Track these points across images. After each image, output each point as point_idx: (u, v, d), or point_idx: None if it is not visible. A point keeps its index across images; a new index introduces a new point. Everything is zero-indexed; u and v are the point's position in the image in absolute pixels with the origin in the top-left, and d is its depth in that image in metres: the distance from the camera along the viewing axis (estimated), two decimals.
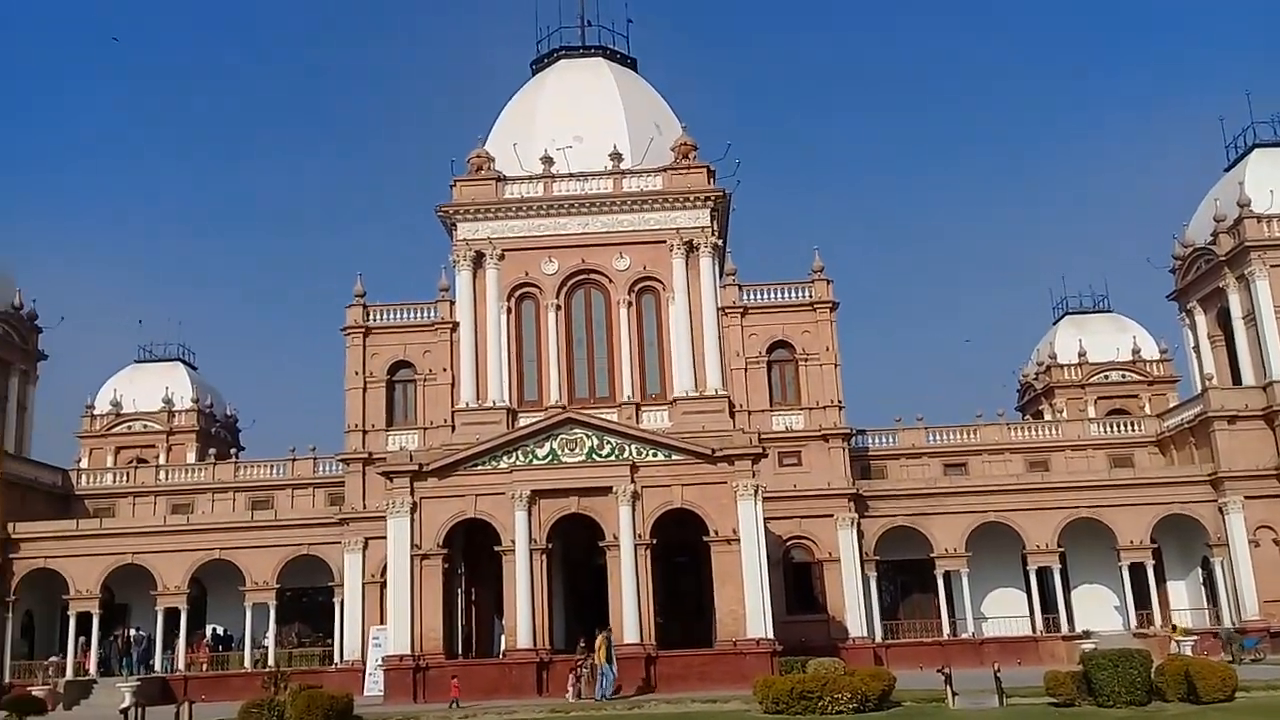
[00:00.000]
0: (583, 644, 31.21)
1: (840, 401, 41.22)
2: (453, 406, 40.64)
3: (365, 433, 41.30)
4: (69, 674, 39.48)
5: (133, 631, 41.40)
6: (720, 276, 42.35)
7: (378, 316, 42.61)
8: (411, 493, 33.23)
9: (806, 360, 41.65)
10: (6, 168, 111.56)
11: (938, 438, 45.58)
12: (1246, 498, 40.64)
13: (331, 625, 41.34)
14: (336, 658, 40.17)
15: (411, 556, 32.78)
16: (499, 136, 44.10)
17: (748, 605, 31.64)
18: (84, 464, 52.97)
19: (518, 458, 33.61)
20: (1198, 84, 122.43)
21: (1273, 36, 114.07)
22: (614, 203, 41.46)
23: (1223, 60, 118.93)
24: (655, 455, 33.44)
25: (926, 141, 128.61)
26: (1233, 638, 36.73)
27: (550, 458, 33.56)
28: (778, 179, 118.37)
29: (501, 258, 41.38)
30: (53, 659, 40.81)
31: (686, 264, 41.22)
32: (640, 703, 28.02)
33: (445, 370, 41.39)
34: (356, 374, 41.70)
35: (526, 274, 41.46)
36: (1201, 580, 42.84)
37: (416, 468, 33.37)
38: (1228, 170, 47.44)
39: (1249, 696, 22.42)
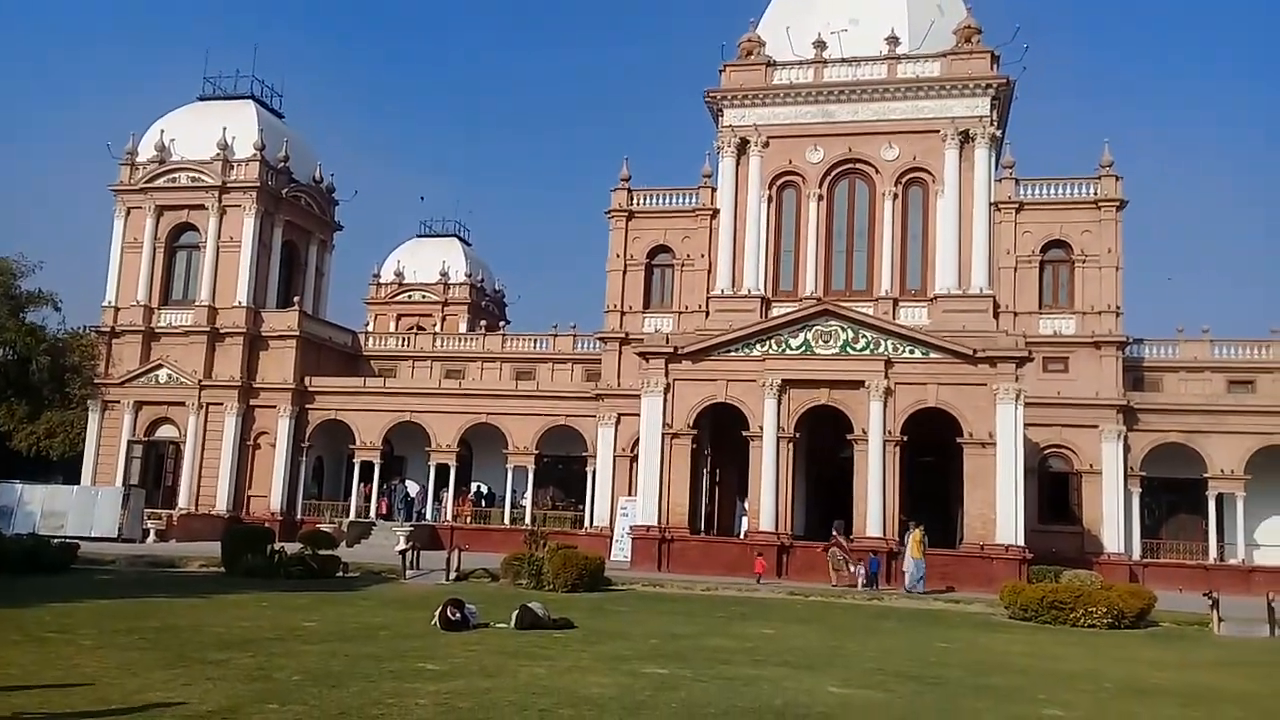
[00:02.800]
0: (835, 532, 31.62)
1: (1118, 307, 38.72)
2: (708, 292, 41.15)
3: (623, 313, 42.65)
4: (352, 515, 43.85)
5: (408, 483, 45.34)
6: (996, 169, 40.25)
7: (641, 201, 43.44)
8: (666, 374, 34.31)
9: (1084, 261, 39.23)
10: (329, 59, 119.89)
11: (1223, 351, 42.05)
12: None
13: (583, 492, 43.68)
14: (586, 522, 42.49)
15: (662, 434, 34.05)
16: (771, 20, 43.12)
17: (999, 510, 30.99)
18: (370, 327, 57.71)
19: (770, 346, 33.91)
20: None
21: None
22: (887, 89, 39.87)
23: None
24: (911, 352, 32.86)
25: (1226, 27, 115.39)
26: None
27: (803, 348, 33.65)
28: (1068, 65, 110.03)
29: (766, 145, 40.95)
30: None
31: (960, 155, 39.34)
32: (880, 595, 28.26)
33: (703, 256, 41.86)
34: (618, 256, 42.91)
35: (790, 162, 40.87)
36: None
37: (672, 350, 34.32)
38: None
39: None
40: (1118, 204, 39.20)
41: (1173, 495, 40.14)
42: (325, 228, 51.35)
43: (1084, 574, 25.89)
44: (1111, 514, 37.75)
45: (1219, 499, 38.63)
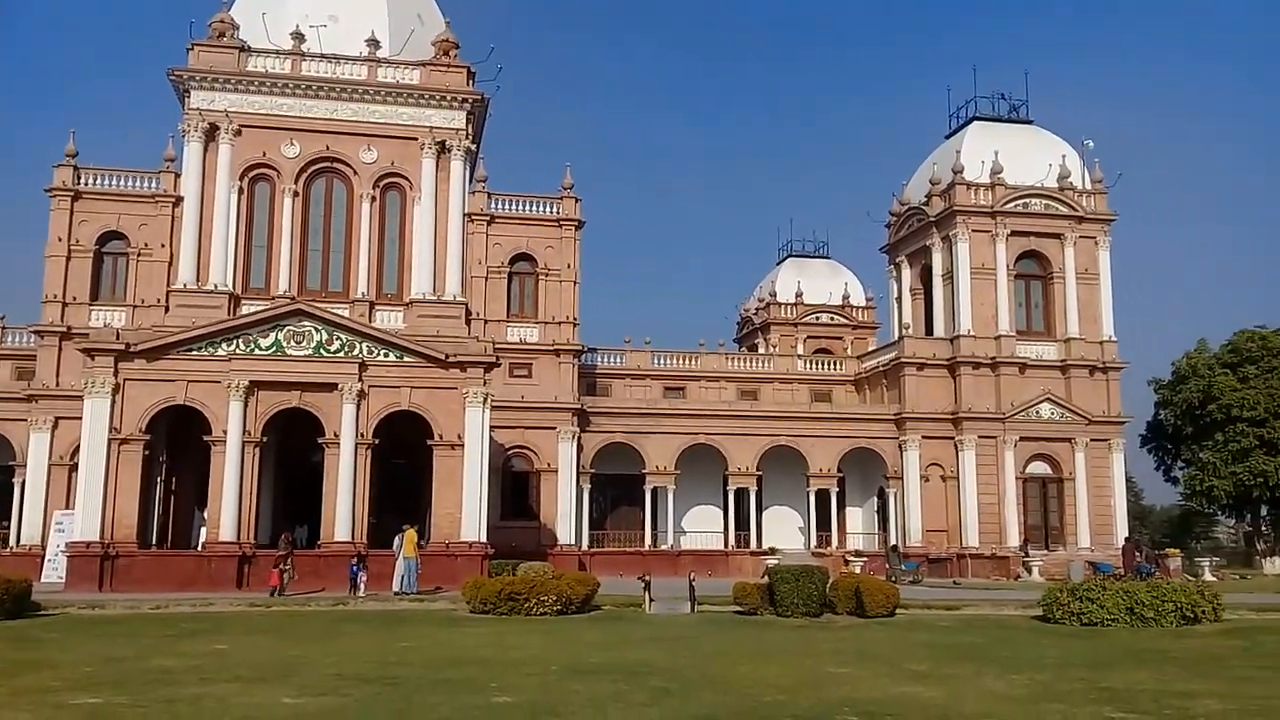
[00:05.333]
0: (285, 538, 30.67)
1: (575, 318, 42.14)
2: (169, 286, 38.19)
3: (65, 305, 38.17)
4: None
5: None
6: (470, 182, 41.85)
7: (91, 181, 39.16)
8: (115, 373, 31.15)
9: (547, 275, 42.19)
10: None
11: (661, 361, 47.56)
12: (924, 437, 45.24)
13: (9, 507, 38.34)
14: (12, 541, 37.39)
15: (109, 440, 30.88)
16: (247, 4, 41.01)
17: (465, 509, 32.14)
18: None
19: (239, 346, 32.21)
20: (930, 54, 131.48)
21: (1004, 13, 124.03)
22: (367, 91, 39.77)
23: (955, 32, 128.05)
24: (386, 355, 33.02)
25: (686, 82, 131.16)
26: (895, 561, 40.91)
27: (274, 349, 32.38)
28: (537, 93, 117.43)
29: (238, 134, 38.87)
30: None
31: (437, 164, 40.34)
32: (347, 599, 28.04)
33: (164, 246, 38.75)
34: (60, 240, 38.31)
35: (264, 154, 39.19)
36: (876, 509, 47.52)
37: (123, 347, 31.27)
38: (948, 138, 51.54)
39: (907, 613, 25.27)
40: (577, 223, 42.68)
41: (617, 489, 44.57)
42: None
43: (538, 565, 27.69)
44: (565, 509, 40.97)
45: (654, 492, 43.56)
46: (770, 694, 12.78)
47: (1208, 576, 40.74)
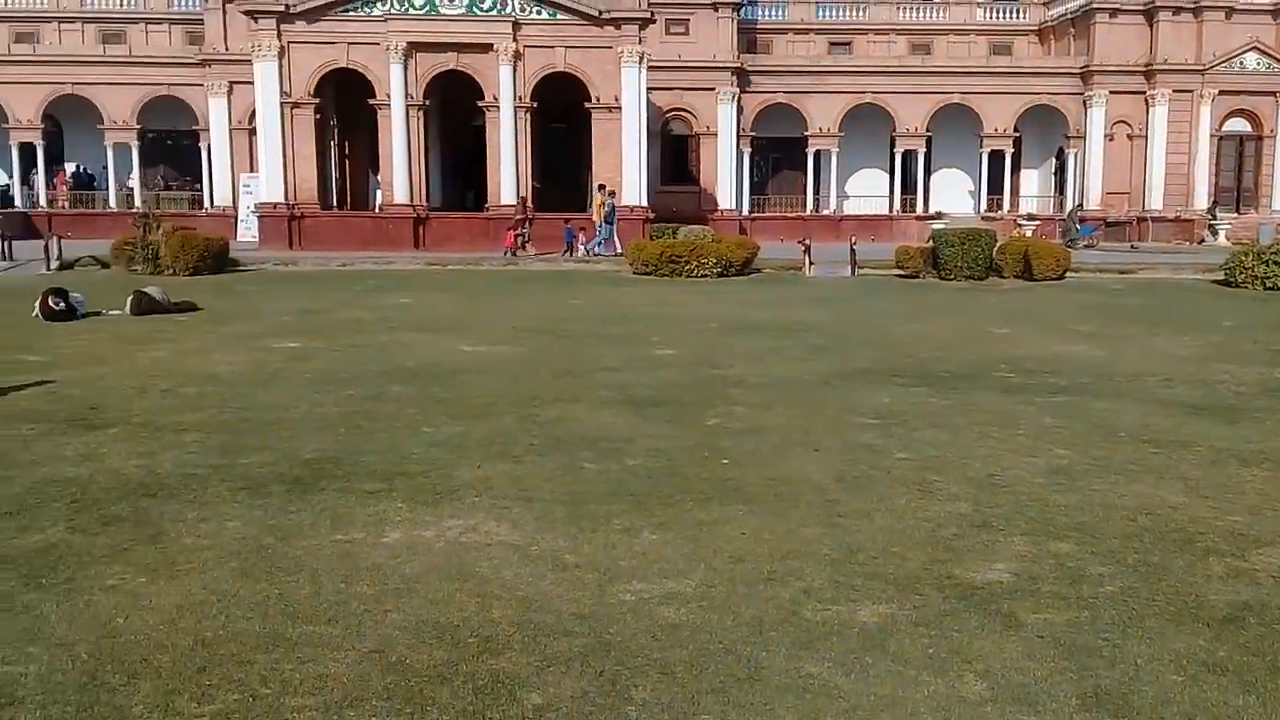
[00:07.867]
0: (524, 201, 31.58)
1: None
2: None
3: None
4: None
5: None
6: None
7: None
8: (279, 35, 31.50)
9: None
10: None
11: (826, 13, 44.78)
12: (1111, 92, 41.98)
13: (198, 170, 40.64)
14: (206, 203, 39.86)
15: (281, 104, 31.78)
16: None
17: (625, 173, 32.25)
18: None
19: (393, 5, 31.88)
20: None
21: None
22: None
23: None
24: (539, 13, 32.17)
25: None
26: (1073, 223, 39.32)
27: (427, 8, 31.93)
28: None
29: None
30: None
31: None
32: (517, 260, 29.18)
33: None
34: None
35: None
36: (1054, 170, 45.26)
37: (283, 8, 31.37)
38: None
39: (1078, 277, 24.66)
40: None
41: (778, 153, 43.65)
42: None
43: (698, 229, 27.87)
44: (725, 173, 40.57)
45: (817, 155, 42.46)
46: (927, 350, 12.87)
47: None
